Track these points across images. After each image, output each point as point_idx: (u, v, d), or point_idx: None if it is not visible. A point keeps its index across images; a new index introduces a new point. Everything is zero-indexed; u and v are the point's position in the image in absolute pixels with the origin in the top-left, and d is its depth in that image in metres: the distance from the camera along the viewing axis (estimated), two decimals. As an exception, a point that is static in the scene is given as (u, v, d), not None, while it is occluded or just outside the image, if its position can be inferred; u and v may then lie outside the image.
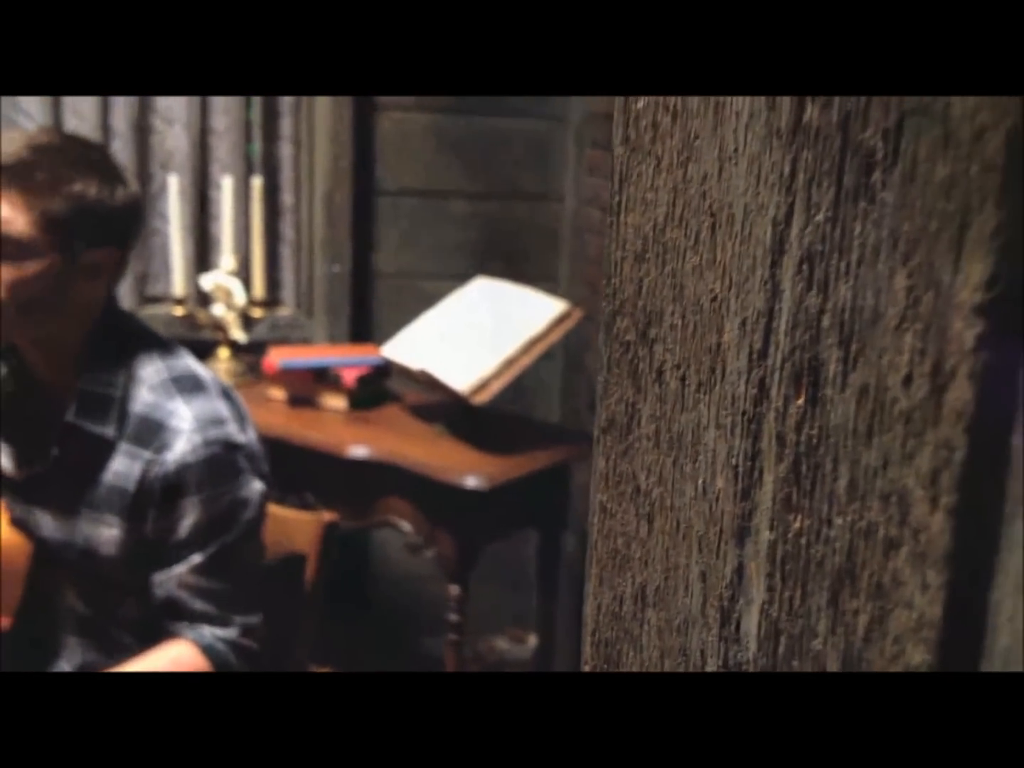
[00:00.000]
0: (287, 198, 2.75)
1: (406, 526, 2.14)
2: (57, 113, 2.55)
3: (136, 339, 1.51)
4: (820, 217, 0.30)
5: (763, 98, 0.31)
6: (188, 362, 1.52)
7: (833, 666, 0.32)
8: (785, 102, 0.31)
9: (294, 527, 1.79)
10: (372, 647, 2.71)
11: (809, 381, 0.31)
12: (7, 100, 2.50)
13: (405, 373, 2.28)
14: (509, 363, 2.09)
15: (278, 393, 2.36)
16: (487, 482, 2.02)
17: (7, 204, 1.36)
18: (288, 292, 2.78)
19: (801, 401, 0.31)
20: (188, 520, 1.43)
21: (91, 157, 1.46)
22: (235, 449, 1.47)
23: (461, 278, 2.45)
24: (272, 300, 2.71)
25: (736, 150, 0.33)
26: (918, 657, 0.29)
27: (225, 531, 1.46)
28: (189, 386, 1.48)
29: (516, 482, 2.09)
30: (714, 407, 0.34)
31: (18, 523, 1.50)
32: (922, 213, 0.27)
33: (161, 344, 1.53)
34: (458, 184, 2.72)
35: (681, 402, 0.35)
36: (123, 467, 1.45)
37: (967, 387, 0.27)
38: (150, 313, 2.61)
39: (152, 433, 1.44)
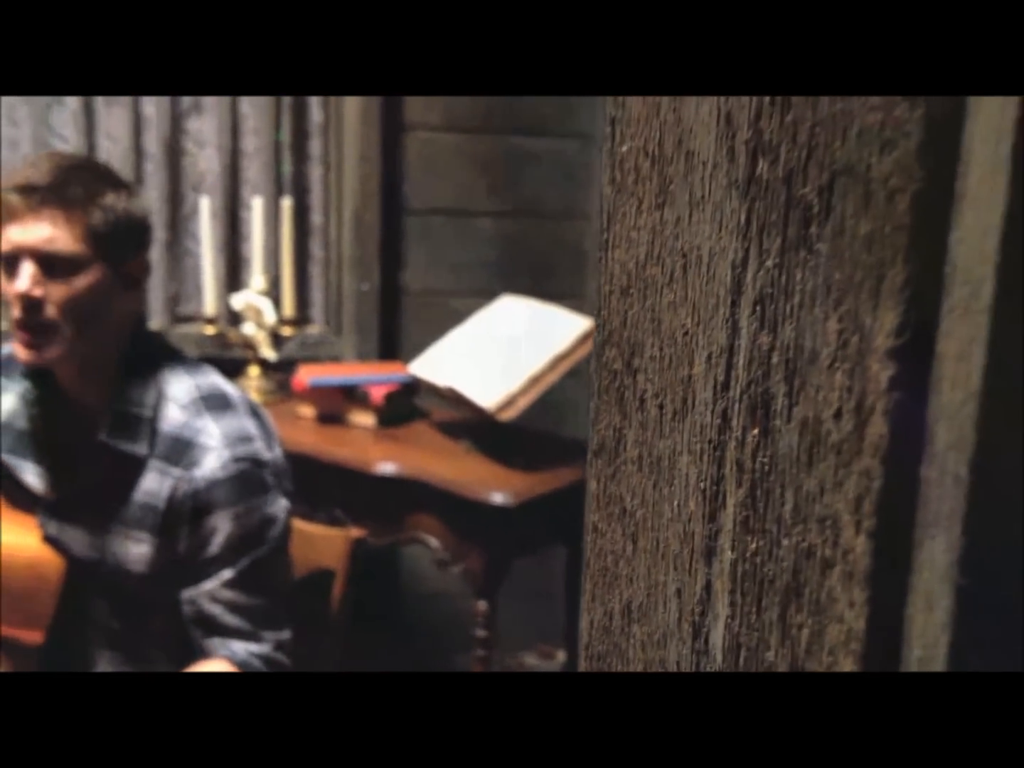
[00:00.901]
0: (317, 218, 2.78)
1: (434, 542, 2.16)
2: (91, 135, 2.60)
3: (165, 358, 1.54)
4: (770, 263, 0.33)
5: (724, 150, 0.33)
6: (216, 380, 1.55)
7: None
8: (742, 155, 0.33)
9: (322, 543, 1.82)
10: (401, 663, 2.72)
11: (762, 413, 0.34)
12: (41, 123, 2.55)
13: (432, 390, 2.31)
14: (535, 380, 2.10)
15: (307, 410, 2.39)
16: (514, 498, 2.04)
17: (50, 223, 1.39)
18: (318, 310, 2.82)
19: (756, 431, 0.33)
20: (218, 536, 1.46)
21: (108, 172, 1.51)
22: (263, 466, 1.49)
23: (488, 295, 2.48)
24: (302, 318, 2.75)
25: (703, 197, 0.35)
26: (848, 667, 0.31)
27: (255, 546, 1.48)
28: (217, 404, 1.51)
29: (543, 498, 2.10)
30: (686, 434, 0.37)
31: (51, 540, 1.53)
32: (849, 264, 0.30)
33: (189, 363, 1.56)
34: (485, 203, 2.75)
35: (659, 428, 0.37)
36: (154, 485, 1.47)
37: (882, 423, 0.30)
38: (182, 332, 2.65)
39: (182, 451, 1.47)
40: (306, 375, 2.37)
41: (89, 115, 2.59)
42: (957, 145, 0.28)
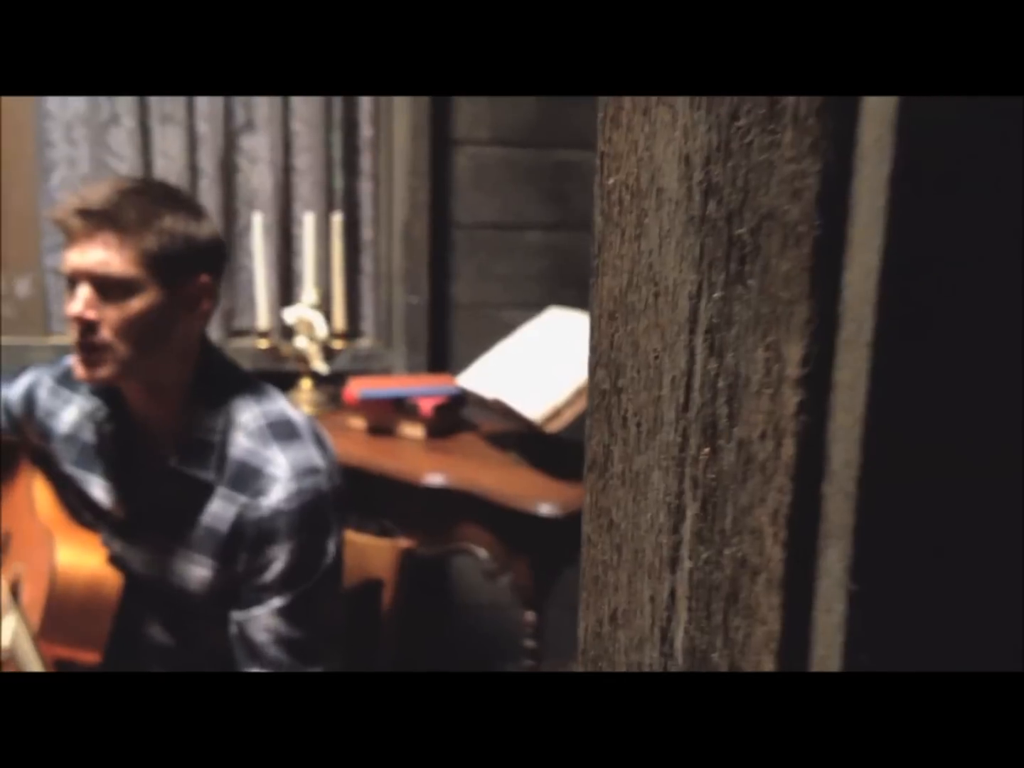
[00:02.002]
0: (367, 232, 2.82)
1: (482, 553, 2.18)
2: (147, 155, 2.66)
3: (233, 383, 1.57)
4: (716, 295, 0.36)
5: (684, 188, 0.36)
6: (282, 407, 1.58)
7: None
8: (697, 194, 0.36)
9: (371, 553, 1.84)
10: (446, 670, 2.74)
11: (711, 433, 0.37)
12: (99, 143, 2.62)
13: (480, 402, 2.33)
14: (581, 392, 2.12)
15: (358, 422, 2.43)
16: (561, 509, 2.05)
17: (103, 246, 1.43)
18: (369, 324, 2.86)
19: (707, 450, 0.37)
20: (276, 565, 1.48)
21: (173, 194, 1.54)
22: (325, 499, 1.52)
23: (536, 308, 2.50)
24: (353, 332, 2.79)
25: (669, 231, 0.39)
26: (768, 667, 0.35)
27: (307, 578, 1.50)
28: (285, 433, 1.53)
29: (590, 509, 2.11)
30: (657, 451, 0.40)
31: (114, 559, 1.56)
32: (773, 300, 0.34)
33: (256, 388, 1.58)
34: (532, 215, 2.77)
35: (638, 445, 0.40)
36: (219, 510, 1.50)
37: (791, 444, 0.34)
38: (236, 347, 2.70)
39: (248, 479, 1.49)
40: (356, 387, 2.40)
41: (145, 134, 2.66)
42: (847, 196, 0.32)
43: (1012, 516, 0.32)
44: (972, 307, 0.31)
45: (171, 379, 1.53)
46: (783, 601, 0.34)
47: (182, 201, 1.53)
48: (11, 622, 1.56)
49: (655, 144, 0.38)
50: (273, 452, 1.50)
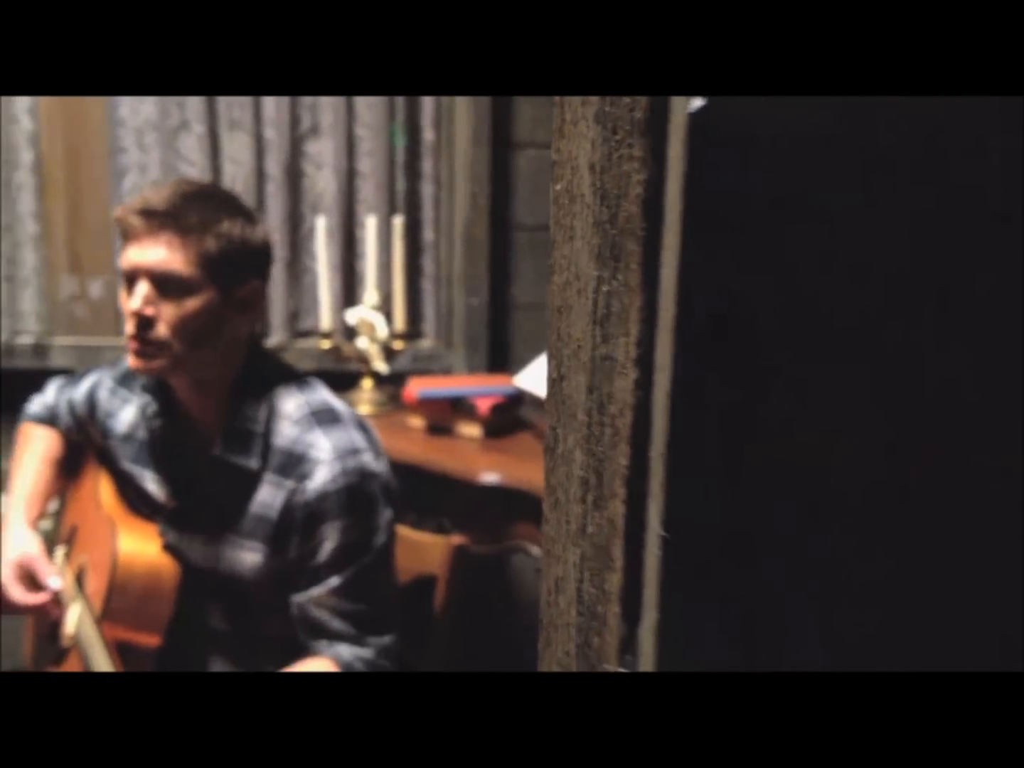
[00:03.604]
0: (428, 235, 2.86)
1: (536, 550, 2.20)
2: (215, 160, 2.73)
3: (277, 376, 1.62)
4: (605, 288, 0.40)
5: (591, 193, 0.40)
6: (324, 396, 1.63)
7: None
8: (597, 199, 0.39)
9: (425, 550, 1.88)
10: (504, 669, 2.76)
11: (601, 412, 0.41)
12: (169, 148, 2.69)
13: (537, 402, 2.35)
14: (636, 392, 2.13)
15: (417, 422, 2.46)
16: (614, 508, 2.06)
17: (166, 246, 1.49)
18: (429, 324, 2.89)
19: (599, 427, 0.40)
20: (327, 545, 1.53)
21: (230, 200, 1.59)
22: (371, 477, 1.56)
23: (593, 309, 2.51)
24: (414, 332, 2.83)
25: (583, 233, 0.42)
26: (615, 608, 0.40)
27: (361, 555, 1.55)
28: (327, 418, 1.58)
29: (643, 509, 2.13)
30: (576, 431, 0.43)
31: (169, 548, 1.62)
32: (631, 292, 0.39)
33: (299, 379, 1.64)
34: (592, 217, 2.79)
35: (568, 427, 0.44)
36: (267, 496, 1.55)
37: (630, 415, 0.39)
38: (300, 347, 2.76)
39: (294, 464, 1.54)
40: (415, 387, 2.44)
41: (214, 140, 2.73)
42: (662, 203, 0.37)
43: (786, 475, 0.37)
44: (761, 300, 0.36)
45: (218, 375, 1.58)
46: (624, 553, 0.38)
47: (239, 206, 1.58)
48: (76, 610, 1.62)
49: (580, 154, 0.41)
50: (316, 436, 1.55)
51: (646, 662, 0.39)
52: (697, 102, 0.34)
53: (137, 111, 2.70)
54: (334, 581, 1.53)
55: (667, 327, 0.36)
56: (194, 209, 1.50)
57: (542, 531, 0.47)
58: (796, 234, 0.35)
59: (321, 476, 1.52)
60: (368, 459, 1.56)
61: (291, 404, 1.58)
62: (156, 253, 1.48)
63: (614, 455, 0.39)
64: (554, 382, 0.44)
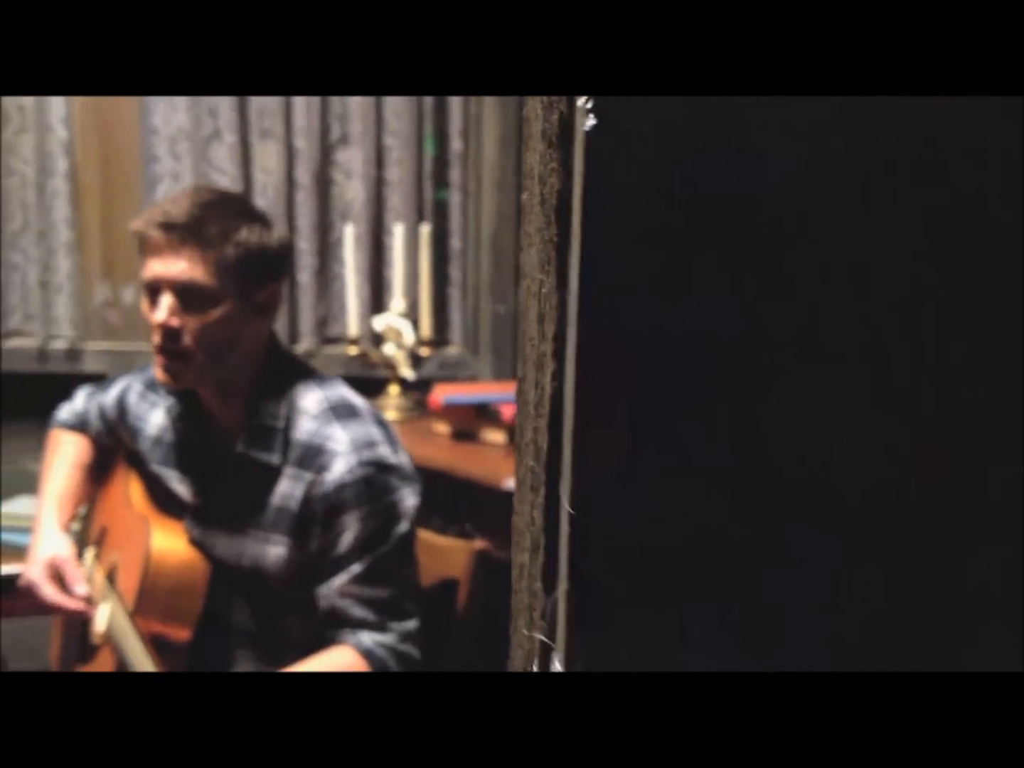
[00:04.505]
0: (456, 243, 2.89)
1: (559, 557, 2.22)
2: (247, 169, 2.77)
3: (296, 374, 1.66)
4: (544, 290, 0.44)
5: (536, 202, 0.42)
6: (343, 391, 1.66)
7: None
8: (540, 208, 0.43)
9: (448, 554, 1.90)
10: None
11: (542, 403, 0.46)
12: (202, 157, 2.74)
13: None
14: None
15: (442, 427, 2.49)
16: (636, 515, 2.08)
17: (187, 259, 1.52)
18: (456, 332, 2.92)
19: (539, 418, 0.46)
20: (347, 535, 1.56)
21: (246, 206, 1.62)
22: (387, 469, 1.58)
23: (618, 317, 2.53)
24: (440, 339, 2.86)
25: (533, 239, 0.46)
26: (534, 560, 0.47)
27: (381, 543, 1.57)
28: (345, 412, 1.61)
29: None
30: (531, 423, 0.48)
31: (196, 544, 1.66)
32: (553, 296, 0.44)
33: (318, 377, 1.67)
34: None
35: (527, 419, 0.48)
36: (288, 489, 1.58)
37: (548, 402, 0.44)
38: (328, 353, 2.80)
39: (313, 456, 1.57)
40: (441, 393, 2.47)
41: (245, 149, 2.77)
42: (570, 209, 0.42)
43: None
44: (655, 301, 0.41)
45: (240, 376, 1.61)
46: (543, 525, 0.45)
47: (254, 212, 1.62)
48: (107, 608, 1.66)
49: (533, 166, 0.45)
50: (334, 429, 1.58)
51: (560, 630, 0.44)
52: (591, 121, 0.38)
53: (170, 120, 2.75)
54: (355, 569, 1.56)
55: (571, 321, 0.41)
56: (213, 220, 1.53)
57: (514, 513, 0.51)
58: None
59: (339, 468, 1.55)
60: (385, 451, 1.59)
61: (310, 400, 1.61)
62: (178, 266, 1.52)
63: (545, 444, 0.42)
64: (520, 380, 0.48)
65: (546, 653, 0.45)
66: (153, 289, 1.55)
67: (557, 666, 0.44)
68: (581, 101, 0.39)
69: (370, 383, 2.57)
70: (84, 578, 1.69)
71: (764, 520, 0.40)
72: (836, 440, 0.38)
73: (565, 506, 0.42)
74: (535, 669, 0.45)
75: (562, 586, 0.43)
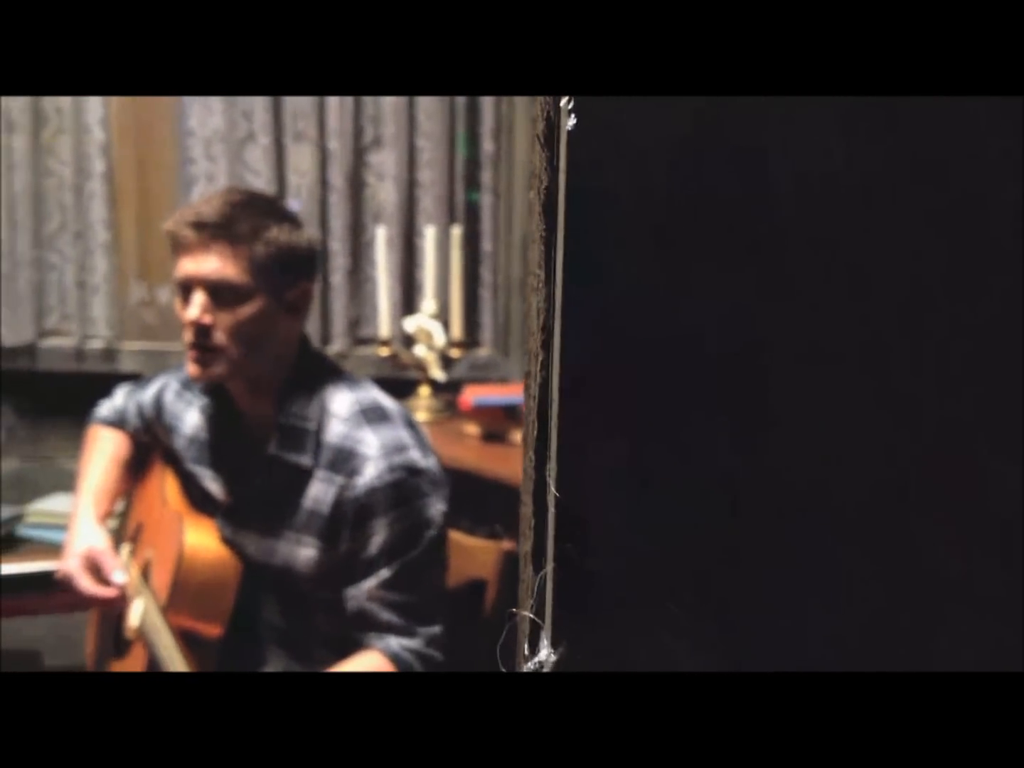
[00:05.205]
0: (487, 245, 2.90)
1: (588, 558, 2.22)
2: (280, 171, 2.80)
3: (328, 376, 1.67)
4: (540, 286, 0.44)
5: (538, 208, 0.42)
6: (374, 394, 1.67)
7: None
8: (536, 208, 0.41)
9: (477, 554, 1.91)
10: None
11: (535, 394, 0.48)
12: (236, 159, 2.76)
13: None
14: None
15: (472, 429, 2.50)
16: (665, 517, 2.08)
17: (219, 257, 1.54)
18: (487, 333, 2.93)
19: (536, 394, 0.48)
20: (376, 539, 1.57)
21: (276, 206, 1.64)
22: (418, 473, 1.59)
23: (648, 319, 2.53)
24: (471, 341, 2.87)
25: (535, 237, 0.48)
26: (527, 541, 0.49)
27: (410, 548, 1.59)
28: (376, 416, 1.62)
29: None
30: (531, 400, 0.49)
31: (227, 543, 1.68)
32: (542, 291, 0.46)
33: (350, 379, 1.68)
34: (649, 228, 2.81)
35: (532, 407, 0.48)
36: (319, 492, 1.60)
37: (536, 388, 0.48)
38: (360, 354, 2.82)
39: (344, 460, 1.59)
40: (470, 395, 2.47)
41: (279, 151, 2.79)
42: (556, 206, 0.44)
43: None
44: (632, 291, 0.43)
45: (271, 375, 1.63)
46: (534, 516, 0.48)
47: (284, 212, 1.64)
48: (140, 604, 1.68)
49: (537, 166, 0.46)
50: (364, 433, 1.59)
51: (547, 610, 0.46)
52: (572, 120, 0.38)
53: (205, 123, 2.78)
54: (384, 573, 1.57)
55: (556, 314, 0.44)
56: (244, 218, 1.56)
57: (520, 514, 0.52)
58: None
59: (369, 472, 1.56)
60: (415, 456, 1.60)
61: (341, 402, 1.63)
62: (210, 264, 1.54)
63: (534, 432, 0.45)
64: (526, 376, 0.48)
65: (535, 632, 0.46)
66: (185, 287, 1.57)
67: (545, 644, 0.45)
68: (563, 101, 0.39)
69: (401, 384, 2.58)
70: (122, 567, 1.71)
71: (759, 516, 0.41)
72: (835, 440, 0.38)
73: (551, 489, 0.45)
74: (526, 650, 0.46)
75: (548, 567, 0.46)
